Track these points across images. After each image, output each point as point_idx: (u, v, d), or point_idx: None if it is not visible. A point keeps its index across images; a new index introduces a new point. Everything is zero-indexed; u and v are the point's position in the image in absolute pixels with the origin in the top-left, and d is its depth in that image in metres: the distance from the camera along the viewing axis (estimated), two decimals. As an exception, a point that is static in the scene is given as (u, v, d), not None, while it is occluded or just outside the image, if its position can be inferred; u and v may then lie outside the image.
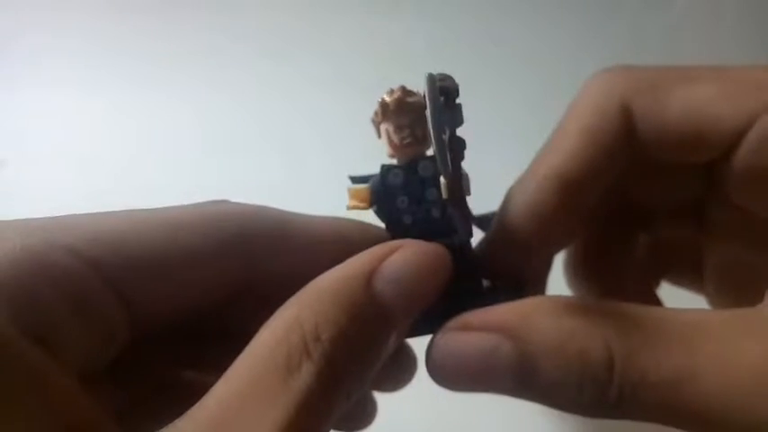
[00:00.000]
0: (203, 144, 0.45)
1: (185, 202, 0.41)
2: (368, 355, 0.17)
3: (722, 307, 0.21)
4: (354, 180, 0.20)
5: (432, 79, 0.16)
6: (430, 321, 0.19)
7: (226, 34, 0.52)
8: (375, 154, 0.50)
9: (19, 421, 0.12)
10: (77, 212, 0.37)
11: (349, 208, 0.18)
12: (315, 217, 0.20)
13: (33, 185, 0.42)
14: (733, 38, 0.54)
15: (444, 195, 0.18)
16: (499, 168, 0.46)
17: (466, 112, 0.51)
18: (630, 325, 0.16)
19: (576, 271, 0.23)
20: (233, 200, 0.20)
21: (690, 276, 0.22)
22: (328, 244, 0.19)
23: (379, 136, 0.19)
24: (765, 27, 0.53)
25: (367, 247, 0.18)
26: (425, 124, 0.18)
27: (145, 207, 0.17)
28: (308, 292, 0.16)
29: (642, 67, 0.19)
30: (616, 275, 0.23)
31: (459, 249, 0.19)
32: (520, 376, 0.17)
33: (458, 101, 0.18)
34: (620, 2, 0.54)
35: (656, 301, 0.24)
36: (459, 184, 0.18)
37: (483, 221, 0.22)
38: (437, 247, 0.18)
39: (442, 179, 0.18)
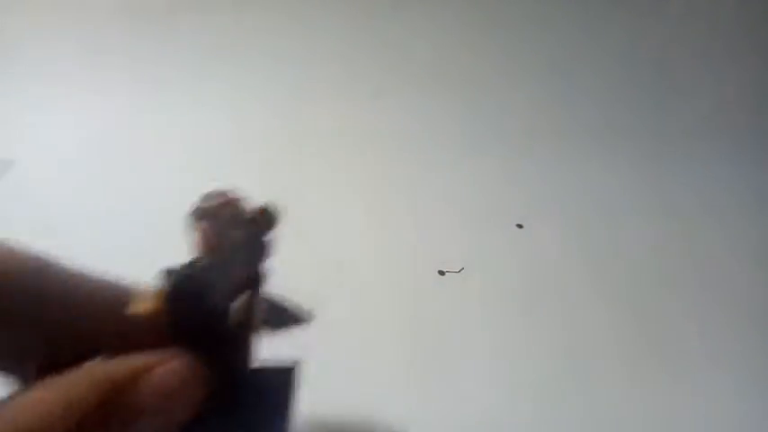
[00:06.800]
0: (207, 145, 0.46)
1: (187, 203, 0.42)
2: None
3: None
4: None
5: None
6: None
7: (229, 37, 0.53)
8: (374, 153, 0.50)
9: None
10: (81, 215, 0.37)
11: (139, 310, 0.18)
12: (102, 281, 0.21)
13: (40, 186, 0.42)
14: (729, 42, 0.54)
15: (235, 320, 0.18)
16: (499, 168, 0.47)
17: (468, 111, 0.51)
18: None
19: None
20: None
21: None
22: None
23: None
24: (761, 31, 0.53)
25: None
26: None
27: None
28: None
29: None
30: None
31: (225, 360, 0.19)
32: None
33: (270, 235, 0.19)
34: (616, 5, 0.54)
35: None
36: (251, 316, 0.19)
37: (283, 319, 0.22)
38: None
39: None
